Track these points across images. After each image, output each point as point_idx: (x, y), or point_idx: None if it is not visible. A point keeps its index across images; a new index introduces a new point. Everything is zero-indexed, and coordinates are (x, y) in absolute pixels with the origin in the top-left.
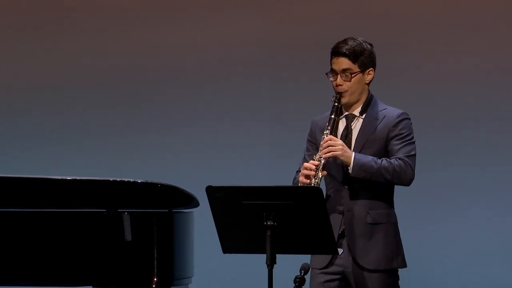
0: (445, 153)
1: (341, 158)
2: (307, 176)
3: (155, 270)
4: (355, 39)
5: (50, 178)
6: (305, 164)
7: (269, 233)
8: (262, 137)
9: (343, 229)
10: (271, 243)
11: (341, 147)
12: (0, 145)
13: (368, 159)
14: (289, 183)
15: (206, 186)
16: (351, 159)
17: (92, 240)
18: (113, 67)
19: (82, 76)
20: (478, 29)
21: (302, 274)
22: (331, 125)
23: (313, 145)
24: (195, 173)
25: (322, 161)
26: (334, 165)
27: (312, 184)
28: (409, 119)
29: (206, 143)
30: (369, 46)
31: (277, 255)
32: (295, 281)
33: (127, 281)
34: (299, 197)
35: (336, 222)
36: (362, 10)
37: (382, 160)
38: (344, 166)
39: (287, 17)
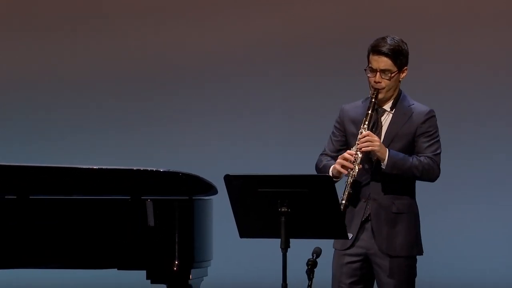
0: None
1: (377, 153)
2: (344, 167)
3: (177, 253)
4: (393, 37)
5: (78, 167)
6: (345, 155)
7: (283, 219)
8: (275, 130)
9: (367, 216)
10: (285, 228)
11: (378, 143)
12: (30, 139)
13: (400, 156)
14: (302, 171)
15: (224, 175)
16: (385, 155)
17: (117, 225)
18: (121, 66)
19: (103, 75)
20: (478, 29)
21: (314, 258)
22: (368, 120)
23: (341, 132)
24: (214, 163)
25: (360, 155)
26: (365, 157)
27: (350, 176)
28: (435, 116)
29: (225, 136)
30: (405, 46)
31: (290, 239)
32: (307, 264)
33: (150, 264)
34: (312, 185)
35: (361, 209)
36: (362, 10)
37: (412, 158)
38: (373, 159)
39: (287, 17)
